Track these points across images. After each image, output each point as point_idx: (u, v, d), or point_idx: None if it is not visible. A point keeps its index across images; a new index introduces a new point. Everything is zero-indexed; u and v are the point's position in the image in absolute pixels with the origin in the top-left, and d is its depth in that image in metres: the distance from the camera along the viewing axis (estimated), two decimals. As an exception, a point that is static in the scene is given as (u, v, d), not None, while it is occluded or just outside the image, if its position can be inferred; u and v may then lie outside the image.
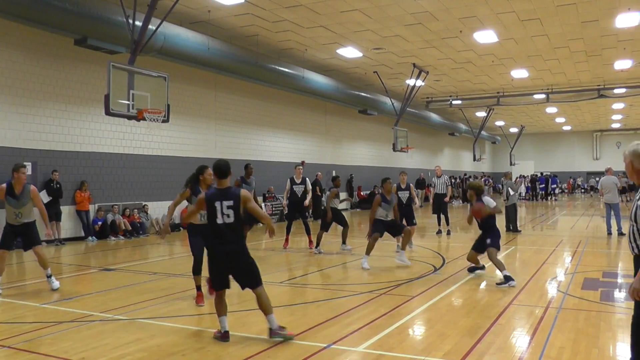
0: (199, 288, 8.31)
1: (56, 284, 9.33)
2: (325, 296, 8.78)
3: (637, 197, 4.07)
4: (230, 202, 6.24)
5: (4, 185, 9.07)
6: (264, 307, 6.34)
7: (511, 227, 18.24)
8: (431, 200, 19.34)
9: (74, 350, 6.04)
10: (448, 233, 17.89)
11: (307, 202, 14.77)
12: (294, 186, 14.77)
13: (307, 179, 15.03)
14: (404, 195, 13.92)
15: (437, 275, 10.58)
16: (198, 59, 17.11)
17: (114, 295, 9.05)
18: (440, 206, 18.07)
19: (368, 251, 11.61)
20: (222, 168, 6.38)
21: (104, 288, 9.61)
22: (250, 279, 6.34)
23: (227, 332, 6.29)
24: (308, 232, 14.78)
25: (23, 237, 9.32)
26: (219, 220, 6.20)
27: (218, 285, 6.36)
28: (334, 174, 28.36)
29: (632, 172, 4.32)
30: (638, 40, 20.14)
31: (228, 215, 6.21)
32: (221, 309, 6.35)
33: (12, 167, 9.11)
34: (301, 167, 15.38)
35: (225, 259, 6.24)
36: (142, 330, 6.92)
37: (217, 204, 6.20)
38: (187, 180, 9.21)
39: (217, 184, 6.46)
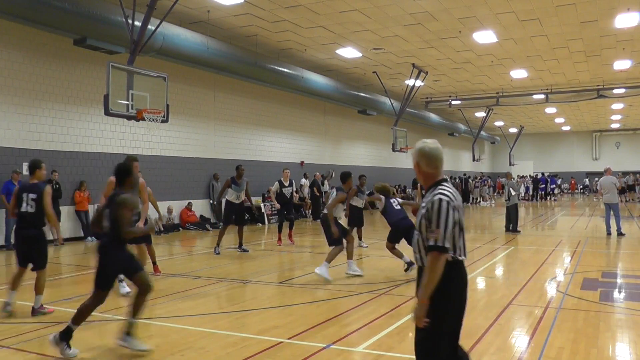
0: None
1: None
2: (325, 296, 8.78)
3: (423, 206, 3.83)
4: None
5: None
6: (38, 288, 7.64)
7: (511, 227, 18.26)
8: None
9: (73, 351, 6.04)
10: None
11: (295, 200, 16.30)
12: (282, 188, 15.53)
13: (293, 180, 16.12)
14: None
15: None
16: (197, 59, 17.11)
17: (113, 295, 9.03)
18: None
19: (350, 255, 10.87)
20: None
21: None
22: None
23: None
24: (290, 227, 15.80)
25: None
26: None
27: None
28: (333, 174, 28.40)
29: (419, 173, 3.96)
30: (637, 41, 20.14)
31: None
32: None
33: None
34: (288, 170, 16.10)
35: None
36: (141, 330, 6.90)
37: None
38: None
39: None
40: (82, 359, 5.76)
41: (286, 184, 15.65)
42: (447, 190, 3.71)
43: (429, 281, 3.60)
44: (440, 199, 3.65)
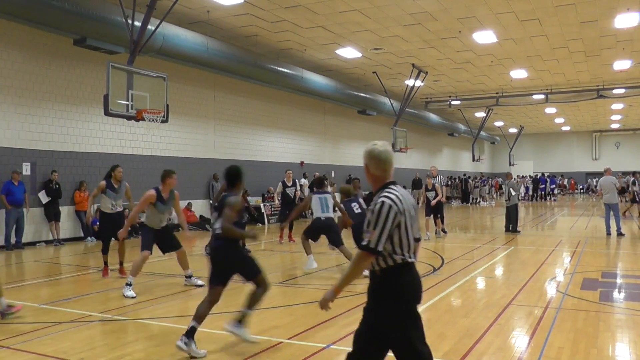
0: (106, 263, 10.51)
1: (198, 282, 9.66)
2: (325, 296, 8.76)
3: (370, 208, 3.84)
4: None
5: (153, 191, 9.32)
6: None
7: (510, 228, 18.26)
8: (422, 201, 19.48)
9: (73, 351, 6.04)
10: (444, 231, 18.05)
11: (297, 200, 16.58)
12: (286, 189, 16.42)
13: (297, 180, 17.17)
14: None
15: (436, 276, 10.58)
16: (197, 59, 17.11)
17: (113, 295, 9.05)
18: (434, 206, 18.21)
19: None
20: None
21: (103, 288, 9.60)
22: None
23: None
24: (290, 228, 16.32)
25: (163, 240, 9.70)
26: None
27: None
28: (333, 174, 28.40)
29: (368, 175, 4.00)
30: (637, 41, 20.14)
31: None
32: None
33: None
34: (291, 171, 16.90)
35: None
36: (142, 330, 6.92)
37: None
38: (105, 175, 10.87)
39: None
40: (82, 359, 5.75)
41: (289, 184, 16.46)
42: (393, 193, 3.73)
43: (349, 276, 3.82)
44: (383, 202, 3.67)
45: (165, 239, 9.68)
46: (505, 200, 18.43)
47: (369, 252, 3.65)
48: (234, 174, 6.46)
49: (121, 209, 10.97)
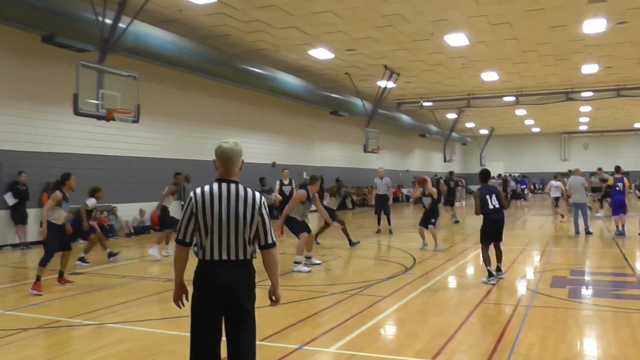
0: (39, 278, 9.24)
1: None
2: (297, 297, 8.77)
3: None
4: None
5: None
6: None
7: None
8: (373, 201, 19.91)
9: (41, 358, 5.96)
10: (390, 232, 18.35)
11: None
12: (282, 187, 17.96)
13: (292, 179, 18.65)
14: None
15: (408, 275, 10.64)
16: (169, 58, 16.95)
17: (83, 299, 8.92)
18: (382, 206, 18.60)
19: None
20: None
21: (72, 293, 9.44)
22: None
23: None
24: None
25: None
26: None
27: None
28: (304, 175, 28.37)
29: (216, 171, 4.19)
30: (604, 46, 20.48)
31: None
32: None
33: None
34: (287, 170, 18.69)
35: None
36: (112, 335, 6.84)
37: None
38: (53, 184, 10.24)
39: None
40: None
41: (286, 182, 18.22)
42: (202, 189, 3.97)
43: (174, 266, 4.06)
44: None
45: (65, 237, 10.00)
46: None
47: (176, 242, 3.99)
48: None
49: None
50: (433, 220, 14.26)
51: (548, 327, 6.87)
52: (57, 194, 9.72)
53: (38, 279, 9.27)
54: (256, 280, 4.08)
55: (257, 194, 4.05)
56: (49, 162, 16.41)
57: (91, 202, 12.79)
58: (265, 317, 7.55)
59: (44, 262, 9.39)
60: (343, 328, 6.89)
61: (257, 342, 6.28)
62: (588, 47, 20.68)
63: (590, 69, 24.30)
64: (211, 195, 3.92)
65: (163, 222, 13.63)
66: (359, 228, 21.21)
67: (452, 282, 10.32)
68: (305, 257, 11.69)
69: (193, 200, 3.92)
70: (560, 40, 19.57)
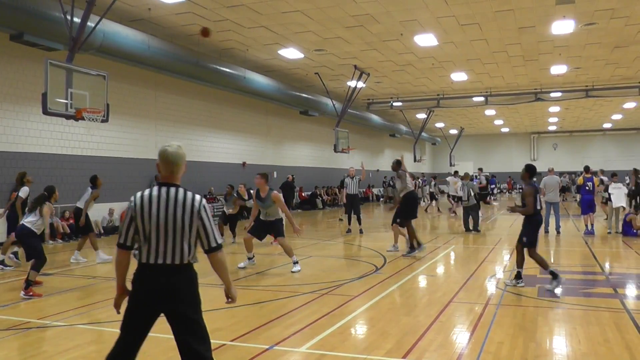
0: (30, 283, 9.11)
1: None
2: (267, 297, 8.73)
3: None
4: None
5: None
6: None
7: (471, 227, 18.37)
8: (343, 200, 19.88)
9: (11, 359, 5.84)
10: (360, 232, 18.39)
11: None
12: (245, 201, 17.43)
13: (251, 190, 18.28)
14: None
15: (379, 275, 10.65)
16: (138, 57, 16.78)
17: (52, 301, 8.78)
18: (352, 206, 18.52)
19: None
20: None
21: (41, 293, 9.29)
22: None
23: None
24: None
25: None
26: None
27: None
28: (275, 175, 28.32)
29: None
30: (573, 47, 20.76)
31: None
32: None
33: None
34: (243, 185, 18.12)
35: None
36: (82, 336, 6.74)
37: None
38: (39, 198, 9.94)
39: None
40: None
41: (246, 197, 17.40)
42: (142, 193, 3.94)
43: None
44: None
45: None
46: (464, 201, 18.47)
47: (117, 246, 4.02)
48: None
49: None
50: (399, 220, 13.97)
51: (518, 325, 6.92)
52: (50, 207, 9.92)
53: (30, 283, 9.11)
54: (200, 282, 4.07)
55: (197, 197, 3.97)
56: (17, 162, 16.08)
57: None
58: (235, 317, 7.51)
59: (38, 268, 9.32)
60: (313, 328, 6.87)
61: (227, 342, 6.26)
62: (557, 48, 20.95)
63: (559, 69, 24.63)
64: (150, 200, 3.88)
65: (86, 227, 13.22)
66: (329, 228, 21.22)
67: (422, 282, 10.35)
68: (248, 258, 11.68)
69: (133, 204, 3.91)
70: (529, 41, 19.79)
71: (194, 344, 3.90)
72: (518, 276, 9.41)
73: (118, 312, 4.15)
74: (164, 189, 3.92)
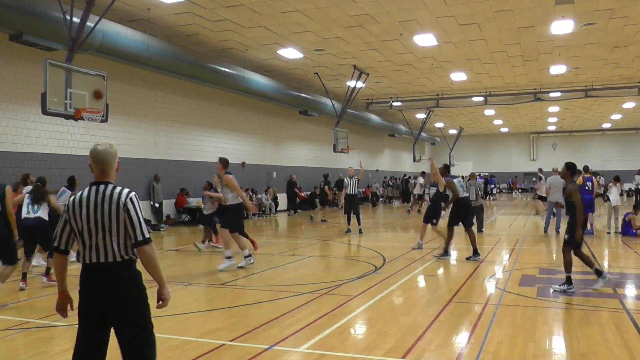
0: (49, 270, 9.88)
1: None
2: (267, 297, 8.73)
3: None
4: None
5: None
6: None
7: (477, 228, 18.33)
8: (342, 201, 19.89)
9: None
10: (360, 232, 18.36)
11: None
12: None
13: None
14: None
15: (378, 275, 10.65)
16: (137, 57, 16.76)
17: (52, 301, 8.72)
18: (351, 206, 18.47)
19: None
20: None
21: (41, 294, 9.30)
22: None
23: None
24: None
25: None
26: None
27: None
28: (274, 175, 28.33)
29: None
30: (572, 47, 20.76)
31: None
32: None
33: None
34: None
35: None
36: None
37: None
38: (41, 190, 10.55)
39: None
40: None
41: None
42: (75, 194, 3.95)
43: None
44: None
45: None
46: (472, 201, 18.38)
47: (54, 250, 3.98)
48: None
49: None
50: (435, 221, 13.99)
51: (517, 325, 6.92)
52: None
53: (49, 270, 9.95)
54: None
55: (125, 191, 3.92)
56: (16, 162, 16.10)
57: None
58: (235, 317, 7.51)
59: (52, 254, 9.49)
60: (313, 328, 6.87)
61: (226, 342, 6.26)
62: (556, 48, 20.95)
63: (558, 69, 24.63)
64: (80, 200, 3.86)
65: None
66: (329, 228, 21.22)
67: (421, 282, 10.35)
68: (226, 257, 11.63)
69: (67, 206, 3.89)
70: (528, 41, 19.79)
71: (135, 347, 3.92)
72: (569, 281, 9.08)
73: (64, 317, 4.15)
74: (94, 188, 3.89)
